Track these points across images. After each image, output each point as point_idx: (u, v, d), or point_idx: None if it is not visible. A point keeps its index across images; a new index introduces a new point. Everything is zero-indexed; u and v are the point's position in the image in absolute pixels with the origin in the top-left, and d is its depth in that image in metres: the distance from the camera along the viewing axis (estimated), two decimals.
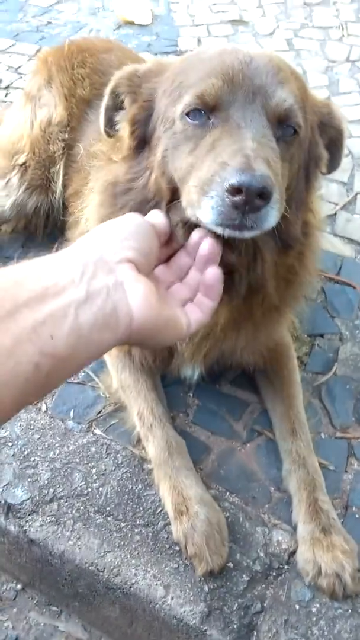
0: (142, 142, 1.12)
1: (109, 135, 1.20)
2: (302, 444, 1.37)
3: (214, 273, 0.96)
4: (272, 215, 0.94)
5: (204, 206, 0.93)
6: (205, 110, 0.98)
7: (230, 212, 0.90)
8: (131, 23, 3.29)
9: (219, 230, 0.96)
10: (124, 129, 1.14)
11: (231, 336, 1.28)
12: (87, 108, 1.79)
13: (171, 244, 1.05)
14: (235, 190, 0.87)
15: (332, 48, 3.08)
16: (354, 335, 1.74)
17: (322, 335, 1.74)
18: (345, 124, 1.22)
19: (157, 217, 1.02)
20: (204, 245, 0.98)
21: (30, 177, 1.83)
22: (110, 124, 1.17)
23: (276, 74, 1.00)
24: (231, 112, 0.96)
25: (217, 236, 1.00)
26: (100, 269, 0.81)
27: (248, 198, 0.88)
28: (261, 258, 1.13)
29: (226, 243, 1.04)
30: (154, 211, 1.04)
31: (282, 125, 1.01)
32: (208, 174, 0.92)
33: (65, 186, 1.81)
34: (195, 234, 1.00)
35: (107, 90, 1.14)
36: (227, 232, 0.95)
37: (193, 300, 0.98)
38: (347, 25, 3.26)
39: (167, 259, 1.04)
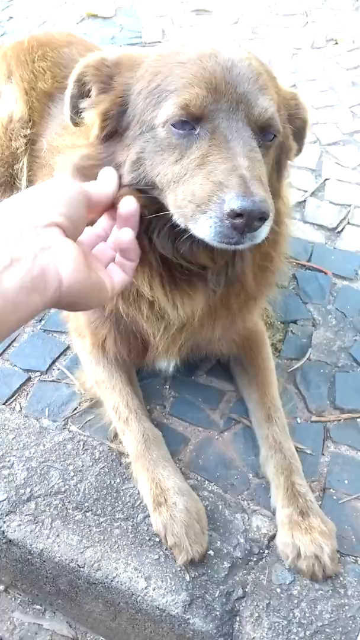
0: (111, 134, 1.11)
1: (75, 124, 1.17)
2: (278, 430, 1.38)
3: (127, 235, 0.97)
4: (266, 230, 0.97)
5: (202, 224, 0.95)
6: (190, 121, 0.98)
7: (229, 232, 0.93)
8: (94, 16, 3.25)
9: (214, 243, 0.97)
10: (90, 117, 1.12)
11: (207, 327, 1.29)
12: (49, 102, 1.76)
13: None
14: (236, 214, 0.89)
15: (296, 35, 3.08)
16: (326, 320, 1.75)
17: (295, 322, 1.75)
18: (309, 115, 1.23)
19: (101, 187, 1.00)
20: (126, 206, 0.99)
21: None
22: (76, 111, 1.15)
23: (256, 80, 1.00)
24: (217, 122, 0.97)
25: (182, 232, 1.02)
26: (26, 232, 0.80)
27: (248, 221, 0.90)
28: (240, 256, 1.15)
29: (192, 242, 1.06)
30: (105, 174, 1.03)
31: (263, 132, 1.02)
32: (204, 193, 0.93)
33: (30, 182, 1.79)
34: (125, 205, 1.00)
35: (72, 78, 1.11)
36: (222, 246, 0.97)
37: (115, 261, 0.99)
38: (311, 12, 3.27)
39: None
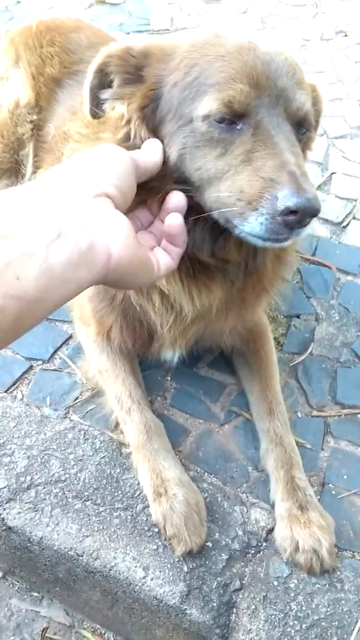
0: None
1: (95, 116, 1.12)
2: (279, 423, 1.38)
3: (176, 220, 0.96)
4: (311, 226, 0.97)
5: (253, 221, 0.94)
6: (232, 116, 0.96)
7: (280, 229, 0.93)
8: (102, 2, 3.21)
9: (259, 242, 0.97)
10: (112, 108, 1.08)
11: (219, 319, 1.28)
12: (57, 87, 1.74)
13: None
14: (290, 211, 0.90)
15: (305, 26, 3.05)
16: (329, 315, 1.75)
17: (298, 316, 1.74)
18: (324, 106, 1.22)
19: (148, 155, 0.98)
20: (175, 199, 0.98)
21: None
22: (96, 102, 1.10)
23: (293, 74, 0.99)
24: (259, 118, 0.96)
25: (217, 229, 1.03)
26: (76, 203, 0.76)
27: (301, 218, 0.91)
28: (262, 248, 1.14)
29: (226, 238, 1.06)
30: (150, 144, 1.01)
31: (299, 126, 1.01)
32: (254, 189, 0.93)
33: (36, 168, 1.78)
34: (174, 199, 1.00)
35: (93, 68, 1.06)
36: (267, 244, 0.98)
37: (160, 246, 0.98)
38: (321, 3, 3.23)
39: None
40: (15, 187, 0.78)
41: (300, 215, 0.90)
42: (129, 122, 1.05)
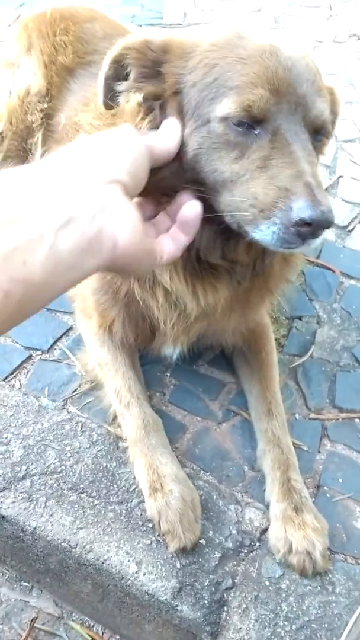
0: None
1: (109, 107, 1.10)
2: (277, 424, 1.38)
3: (194, 209, 0.95)
4: (324, 236, 0.97)
5: (264, 229, 0.94)
6: (250, 121, 0.96)
7: (293, 239, 0.93)
8: None
9: (270, 247, 0.98)
10: (127, 101, 1.06)
11: (223, 318, 1.28)
12: (69, 77, 1.73)
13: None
14: (304, 223, 0.89)
15: (319, 28, 3.04)
16: (331, 318, 1.75)
17: (300, 318, 1.74)
18: (341, 108, 1.21)
19: (165, 139, 0.97)
20: (190, 209, 0.96)
21: (7, 147, 1.77)
22: (110, 94, 1.07)
23: (314, 81, 0.98)
24: (277, 124, 0.95)
25: (229, 231, 1.03)
26: (87, 189, 0.76)
27: (314, 230, 0.91)
28: (271, 251, 1.13)
29: (237, 240, 1.05)
30: (169, 125, 0.99)
31: (316, 134, 1.01)
32: (268, 198, 0.92)
33: (44, 157, 1.77)
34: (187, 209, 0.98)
35: (109, 59, 1.03)
36: (280, 250, 0.98)
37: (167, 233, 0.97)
38: (335, 5, 3.22)
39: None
40: (23, 166, 0.77)
41: (313, 228, 0.90)
42: (150, 110, 1.03)
